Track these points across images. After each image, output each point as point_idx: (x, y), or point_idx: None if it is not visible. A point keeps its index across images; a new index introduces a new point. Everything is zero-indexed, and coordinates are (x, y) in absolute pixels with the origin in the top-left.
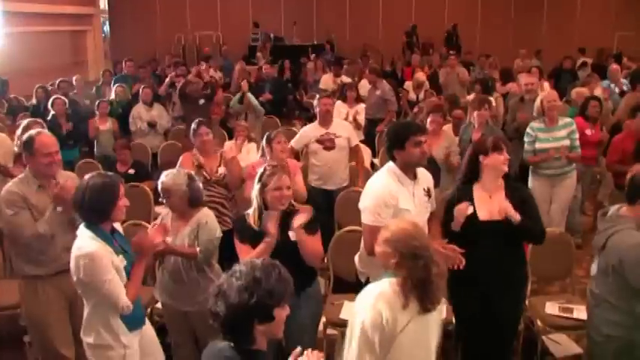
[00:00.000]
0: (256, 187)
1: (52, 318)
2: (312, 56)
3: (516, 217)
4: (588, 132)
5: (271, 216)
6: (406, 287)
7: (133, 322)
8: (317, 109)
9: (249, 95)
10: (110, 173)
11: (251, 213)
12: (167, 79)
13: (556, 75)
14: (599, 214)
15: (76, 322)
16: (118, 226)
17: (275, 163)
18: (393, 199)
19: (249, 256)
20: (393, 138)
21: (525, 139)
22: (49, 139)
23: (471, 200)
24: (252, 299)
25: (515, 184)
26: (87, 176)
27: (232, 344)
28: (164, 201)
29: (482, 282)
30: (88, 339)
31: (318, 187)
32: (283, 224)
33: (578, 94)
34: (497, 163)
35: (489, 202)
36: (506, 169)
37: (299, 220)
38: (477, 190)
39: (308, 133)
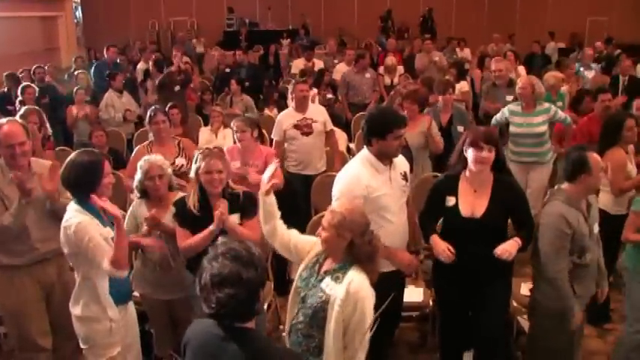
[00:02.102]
0: (192, 170)
1: (28, 308)
2: (287, 41)
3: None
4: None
5: (220, 205)
6: (363, 269)
7: (119, 296)
8: (292, 95)
9: None
10: (96, 150)
11: (191, 196)
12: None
13: (528, 59)
14: (549, 192)
15: (53, 312)
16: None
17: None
18: (364, 188)
19: (189, 241)
20: (374, 126)
21: (497, 116)
22: (12, 131)
23: (455, 191)
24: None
25: (506, 181)
26: (73, 154)
27: (228, 325)
28: (151, 182)
29: (465, 274)
30: (75, 311)
31: (296, 172)
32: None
33: (554, 77)
34: (471, 159)
35: (473, 197)
36: (476, 168)
37: (221, 208)
38: (463, 183)
39: (284, 120)
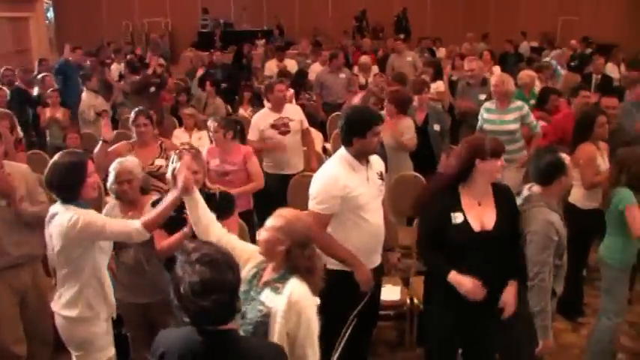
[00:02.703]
0: (169, 170)
1: (1, 315)
2: (262, 42)
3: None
4: (541, 123)
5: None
6: (305, 281)
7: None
8: (269, 95)
9: None
10: (79, 151)
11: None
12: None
13: (502, 58)
14: (523, 196)
15: (27, 318)
16: None
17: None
18: (342, 189)
19: (165, 242)
20: (354, 125)
21: (479, 118)
22: None
23: (459, 206)
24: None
25: (502, 188)
26: (56, 155)
27: (212, 329)
28: (120, 187)
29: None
30: (70, 313)
31: (274, 173)
32: None
33: (528, 76)
34: (494, 169)
35: (480, 210)
36: (494, 178)
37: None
38: (465, 197)
39: (259, 121)
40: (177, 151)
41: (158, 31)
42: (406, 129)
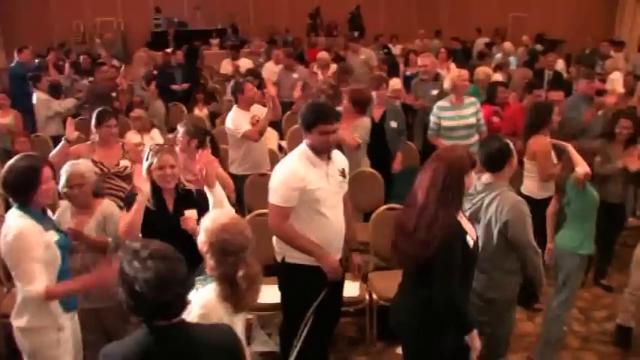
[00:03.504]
0: (144, 167)
1: None
2: (216, 41)
3: None
4: (495, 119)
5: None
6: (220, 288)
7: (69, 302)
8: (239, 95)
9: None
10: (38, 156)
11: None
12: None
13: (452, 55)
14: (478, 187)
15: None
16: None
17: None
18: (300, 181)
19: (126, 217)
20: (302, 120)
21: (431, 118)
22: None
23: (462, 227)
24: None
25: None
26: (15, 157)
27: (166, 324)
28: (70, 191)
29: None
30: (19, 323)
31: (250, 174)
32: (178, 206)
33: (484, 73)
34: (472, 179)
35: (465, 222)
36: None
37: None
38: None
39: (240, 120)
40: (151, 148)
41: (110, 30)
42: (360, 128)
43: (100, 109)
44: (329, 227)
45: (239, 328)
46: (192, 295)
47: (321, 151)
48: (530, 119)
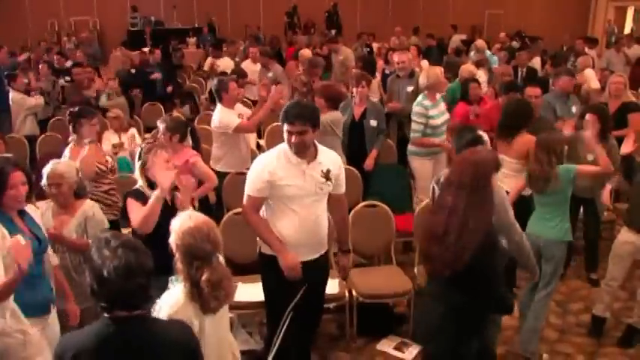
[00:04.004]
0: (137, 166)
1: None
2: (193, 40)
3: None
4: (472, 117)
5: (157, 165)
6: (187, 289)
7: (28, 308)
8: (224, 94)
9: None
10: (8, 159)
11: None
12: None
13: (427, 52)
14: (433, 180)
15: None
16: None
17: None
18: (269, 175)
19: (140, 211)
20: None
21: (416, 119)
22: None
23: None
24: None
25: None
26: None
27: (128, 314)
28: (49, 189)
29: None
30: None
31: (232, 171)
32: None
33: (468, 71)
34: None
35: None
36: None
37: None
38: None
39: (231, 116)
40: (143, 146)
41: (86, 30)
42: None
43: (80, 107)
44: (299, 225)
45: (212, 329)
46: (164, 295)
47: (292, 150)
48: (511, 119)
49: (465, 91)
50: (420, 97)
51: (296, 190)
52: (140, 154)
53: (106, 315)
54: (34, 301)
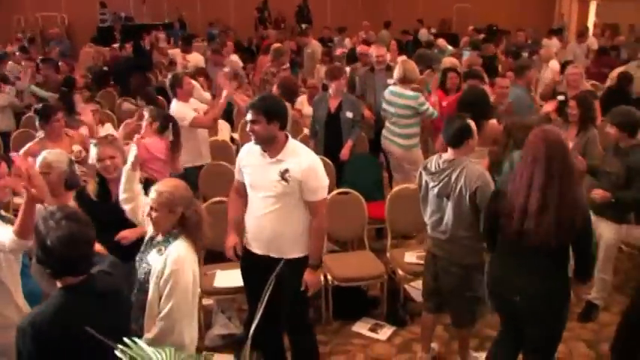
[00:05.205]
0: (91, 157)
1: None
2: (163, 35)
3: None
4: (445, 103)
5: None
6: (191, 238)
7: (34, 297)
8: (178, 89)
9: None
10: None
11: (90, 184)
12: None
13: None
14: (420, 167)
15: None
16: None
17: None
18: (239, 160)
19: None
20: None
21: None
22: None
23: None
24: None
25: None
26: None
27: (75, 279)
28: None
29: None
30: None
31: (189, 167)
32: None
33: (450, 62)
34: None
35: None
36: None
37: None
38: None
39: (186, 110)
40: (93, 141)
41: (53, 26)
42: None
43: (44, 104)
44: (248, 215)
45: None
46: (161, 259)
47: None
48: (465, 108)
49: (443, 80)
50: (393, 88)
51: (251, 180)
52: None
53: (59, 285)
54: (35, 289)
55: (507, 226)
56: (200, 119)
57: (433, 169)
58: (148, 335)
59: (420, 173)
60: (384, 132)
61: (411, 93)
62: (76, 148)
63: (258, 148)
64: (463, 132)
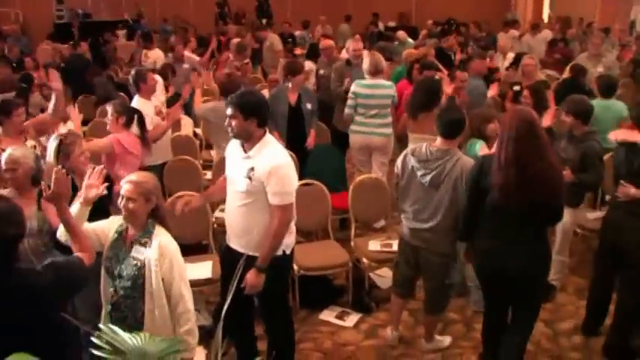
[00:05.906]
0: (52, 154)
1: None
2: (123, 32)
3: None
4: (407, 92)
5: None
6: (165, 227)
7: None
8: (142, 85)
9: None
10: None
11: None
12: None
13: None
14: (407, 152)
15: None
16: None
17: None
18: (228, 152)
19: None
20: None
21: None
22: None
23: None
24: (19, 227)
25: None
26: None
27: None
28: (5, 174)
29: None
30: None
31: (151, 165)
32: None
33: (411, 54)
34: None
35: None
36: None
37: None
38: None
39: (147, 109)
40: (59, 141)
41: (8, 22)
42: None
43: (4, 100)
44: (226, 208)
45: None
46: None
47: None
48: (416, 98)
49: (409, 71)
50: (368, 81)
51: (228, 172)
52: (59, 146)
53: None
54: None
55: (493, 200)
56: (151, 133)
57: (423, 157)
58: (184, 327)
59: (404, 159)
60: (359, 127)
61: (388, 82)
62: (30, 143)
63: (237, 143)
64: (459, 125)
